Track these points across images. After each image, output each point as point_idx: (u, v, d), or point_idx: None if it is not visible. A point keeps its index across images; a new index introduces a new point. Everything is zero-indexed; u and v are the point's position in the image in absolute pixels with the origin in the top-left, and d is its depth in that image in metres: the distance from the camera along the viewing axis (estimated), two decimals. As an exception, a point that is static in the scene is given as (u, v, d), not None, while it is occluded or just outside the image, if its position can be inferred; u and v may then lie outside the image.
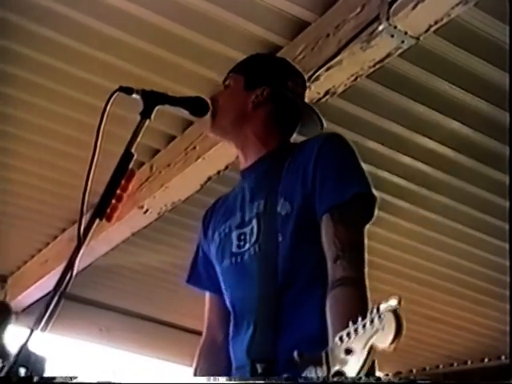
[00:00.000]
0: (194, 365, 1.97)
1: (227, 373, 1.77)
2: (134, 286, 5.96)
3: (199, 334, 6.60)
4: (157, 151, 3.80)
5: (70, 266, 1.46)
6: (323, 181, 1.65)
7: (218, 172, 3.41)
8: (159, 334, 6.92)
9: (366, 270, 1.57)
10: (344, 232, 1.59)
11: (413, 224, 4.26)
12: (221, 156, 3.26)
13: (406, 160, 3.69)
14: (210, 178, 3.51)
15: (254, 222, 1.74)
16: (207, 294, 1.98)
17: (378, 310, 1.10)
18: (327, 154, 1.69)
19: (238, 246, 1.76)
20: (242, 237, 1.75)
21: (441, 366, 7.10)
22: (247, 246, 1.73)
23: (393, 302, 1.11)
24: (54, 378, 1.29)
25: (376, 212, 1.69)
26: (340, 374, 1.14)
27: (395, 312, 1.10)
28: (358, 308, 1.41)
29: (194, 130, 3.51)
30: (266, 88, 1.84)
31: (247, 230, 1.75)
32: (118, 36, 2.98)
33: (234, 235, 1.77)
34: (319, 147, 1.70)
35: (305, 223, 1.66)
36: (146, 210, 3.85)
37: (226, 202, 1.92)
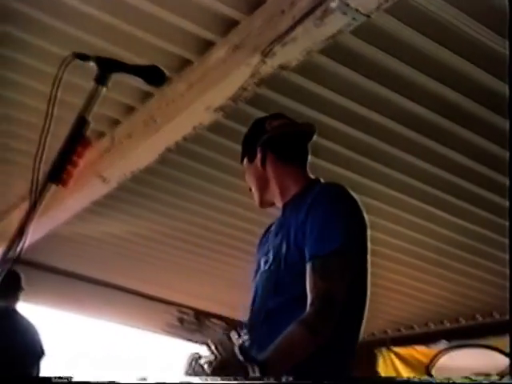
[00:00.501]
0: None
1: None
2: (99, 254, 6.03)
3: (162, 301, 6.74)
4: (118, 122, 3.85)
5: (21, 231, 1.48)
6: (310, 231, 1.89)
7: (176, 143, 3.49)
8: (124, 302, 7.00)
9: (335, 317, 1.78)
10: (319, 283, 1.81)
11: (368, 198, 4.38)
12: (179, 127, 3.35)
13: (358, 134, 3.80)
14: (168, 149, 3.58)
15: (271, 252, 2.03)
16: None
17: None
18: (318, 205, 1.92)
19: (261, 270, 2.06)
20: (266, 262, 2.05)
21: (389, 331, 7.32)
22: (265, 269, 2.04)
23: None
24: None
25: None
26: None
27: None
28: (294, 346, 1.75)
29: (154, 102, 3.57)
30: (257, 148, 2.13)
31: (269, 257, 2.04)
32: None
33: (262, 260, 2.07)
34: (314, 197, 1.95)
35: (300, 261, 1.89)
36: (106, 179, 3.91)
37: (266, 233, 2.23)
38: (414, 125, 3.64)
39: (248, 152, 2.20)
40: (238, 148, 3.90)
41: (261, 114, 3.53)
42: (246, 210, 4.78)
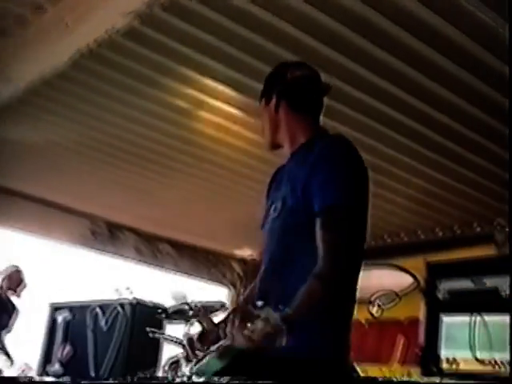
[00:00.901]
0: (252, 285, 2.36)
1: None
2: (10, 162, 5.81)
3: (75, 212, 6.60)
4: (27, 21, 3.65)
5: None
6: (317, 185, 1.97)
7: (88, 46, 3.34)
8: (35, 212, 6.86)
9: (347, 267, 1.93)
10: (327, 236, 1.92)
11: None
12: (90, 30, 3.20)
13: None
14: (80, 52, 3.43)
15: (280, 201, 2.11)
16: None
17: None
18: (325, 159, 2.00)
19: (272, 216, 2.14)
20: (276, 209, 2.12)
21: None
22: (275, 216, 2.12)
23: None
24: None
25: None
26: None
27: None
28: (312, 302, 1.88)
29: (66, 2, 3.40)
30: (274, 93, 2.19)
31: (278, 204, 2.12)
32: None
33: (273, 207, 2.15)
34: (321, 150, 2.02)
35: (305, 214, 1.99)
36: (12, 80, 3.74)
37: (277, 175, 2.29)
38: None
39: (266, 94, 2.25)
40: (155, 57, 3.79)
41: (180, 23, 3.47)
42: (161, 121, 4.69)
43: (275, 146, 2.27)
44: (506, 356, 3.41)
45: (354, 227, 1.97)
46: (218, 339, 2.12)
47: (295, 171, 2.09)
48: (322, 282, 1.89)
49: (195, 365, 2.20)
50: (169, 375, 5.07)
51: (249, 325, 1.76)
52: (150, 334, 4.74)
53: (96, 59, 3.81)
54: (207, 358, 2.05)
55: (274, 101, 2.20)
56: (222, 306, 5.64)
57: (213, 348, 2.05)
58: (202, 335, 2.39)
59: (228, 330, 1.86)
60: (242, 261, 8.46)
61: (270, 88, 2.25)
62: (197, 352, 2.34)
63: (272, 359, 1.84)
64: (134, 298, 5.24)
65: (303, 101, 2.21)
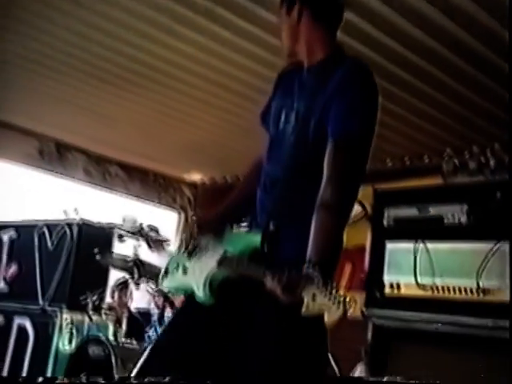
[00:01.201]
0: (246, 172, 2.47)
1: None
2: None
3: (22, 131, 6.44)
4: None
5: None
6: (337, 111, 1.97)
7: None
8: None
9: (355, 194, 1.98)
10: (339, 162, 1.94)
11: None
12: None
13: None
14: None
15: (294, 113, 2.11)
16: (265, 131, 2.29)
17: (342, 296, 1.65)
18: (348, 85, 2.01)
19: (284, 123, 2.14)
20: (288, 118, 2.12)
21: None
22: (288, 126, 2.12)
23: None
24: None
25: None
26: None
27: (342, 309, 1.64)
28: (329, 235, 1.90)
29: None
30: (297, 0, 2.14)
31: (292, 114, 2.11)
32: None
33: (284, 113, 2.15)
34: (344, 75, 2.03)
35: (320, 135, 2.00)
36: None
37: (287, 79, 2.26)
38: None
39: (287, 1, 2.19)
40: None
41: None
42: (117, 42, 4.54)
43: (293, 54, 2.21)
44: (447, 281, 3.51)
45: (364, 157, 2.02)
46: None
47: (314, 89, 2.08)
48: (334, 211, 1.92)
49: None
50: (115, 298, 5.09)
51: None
52: (97, 257, 4.76)
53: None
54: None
55: (296, 8, 2.15)
56: (165, 241, 5.68)
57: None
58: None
59: (270, 285, 1.80)
60: (193, 185, 8.45)
61: None
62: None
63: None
64: (82, 219, 5.19)
65: (326, 12, 2.17)
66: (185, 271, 2.21)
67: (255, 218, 2.19)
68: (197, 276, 2.13)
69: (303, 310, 1.71)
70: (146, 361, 2.21)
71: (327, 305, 1.67)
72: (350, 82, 2.03)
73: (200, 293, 2.08)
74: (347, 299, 1.66)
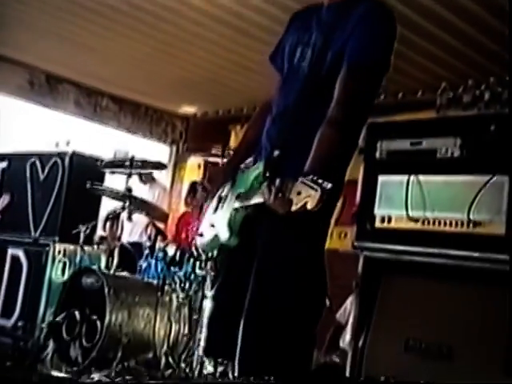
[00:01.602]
0: (245, 129, 2.58)
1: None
2: None
3: (12, 62, 6.31)
4: None
5: None
6: (353, 42, 2.07)
7: None
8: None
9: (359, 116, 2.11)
10: (352, 84, 2.04)
11: None
12: None
13: None
14: None
15: (310, 48, 2.19)
16: (277, 72, 2.40)
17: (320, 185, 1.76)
18: (366, 23, 2.10)
19: (299, 60, 2.23)
20: (304, 54, 2.21)
21: (245, 110, 7.46)
22: (303, 61, 2.21)
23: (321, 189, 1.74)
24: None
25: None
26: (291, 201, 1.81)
27: (322, 192, 1.73)
28: (329, 149, 2.00)
29: None
30: None
31: (309, 50, 2.20)
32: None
33: (299, 50, 2.23)
34: (364, 13, 2.12)
35: (337, 67, 2.09)
36: None
37: (303, 18, 2.36)
38: None
39: None
40: None
41: None
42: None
43: None
44: (438, 214, 3.52)
45: (376, 84, 2.15)
46: None
47: (334, 23, 2.16)
48: (338, 127, 2.01)
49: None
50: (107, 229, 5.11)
51: (289, 195, 1.85)
52: (88, 185, 4.75)
53: None
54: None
55: None
56: (161, 165, 5.66)
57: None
58: None
59: (266, 197, 1.93)
60: (185, 118, 8.38)
61: None
62: None
63: None
64: (73, 151, 5.15)
65: None
66: (212, 226, 2.37)
67: (260, 152, 2.29)
68: (220, 224, 2.27)
69: (292, 207, 1.82)
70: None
71: (309, 193, 1.78)
72: (369, 16, 2.12)
73: (225, 237, 2.23)
74: (325, 183, 1.77)
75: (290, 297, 2.09)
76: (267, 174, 2.11)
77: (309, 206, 1.78)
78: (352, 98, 2.06)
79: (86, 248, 4.83)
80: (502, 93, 3.62)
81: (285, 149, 2.11)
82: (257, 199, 2.08)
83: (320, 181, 1.78)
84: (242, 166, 2.41)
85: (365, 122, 2.21)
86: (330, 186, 1.76)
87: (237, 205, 2.24)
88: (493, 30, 4.49)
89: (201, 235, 2.46)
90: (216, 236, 2.33)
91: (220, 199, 2.38)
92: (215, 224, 2.36)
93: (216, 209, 2.39)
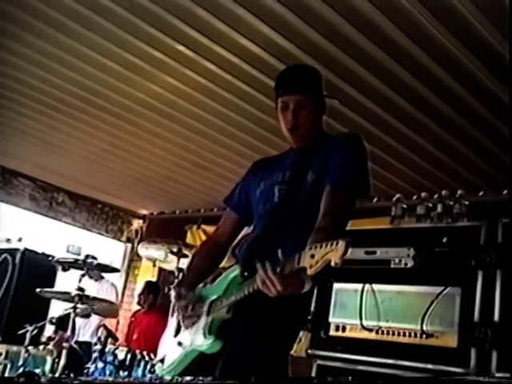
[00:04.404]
0: (191, 258, 2.76)
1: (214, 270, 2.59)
2: None
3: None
4: None
5: None
6: (334, 165, 2.33)
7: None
8: None
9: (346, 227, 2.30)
10: (336, 201, 2.26)
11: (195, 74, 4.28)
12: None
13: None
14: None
15: (288, 173, 2.45)
16: (230, 211, 2.71)
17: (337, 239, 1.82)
18: (344, 148, 2.38)
19: (279, 198, 2.44)
20: (282, 191, 2.43)
21: (202, 210, 7.48)
22: (284, 196, 2.43)
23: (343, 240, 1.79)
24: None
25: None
26: (304, 269, 1.86)
27: (347, 242, 1.78)
28: None
29: None
30: (323, 95, 2.53)
31: (285, 175, 2.46)
32: None
33: (277, 189, 2.45)
34: (339, 142, 2.43)
35: (318, 187, 2.32)
36: None
37: (272, 162, 2.64)
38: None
39: (315, 91, 2.51)
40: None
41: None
42: (68, 70, 4.49)
43: (303, 136, 2.49)
44: (391, 324, 3.52)
45: (355, 199, 2.34)
46: None
47: (305, 158, 2.43)
48: (328, 233, 2.09)
49: None
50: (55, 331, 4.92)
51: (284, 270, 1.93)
52: (37, 290, 4.63)
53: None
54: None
55: (325, 104, 2.53)
56: (114, 270, 5.54)
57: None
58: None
59: (262, 276, 1.98)
60: (141, 217, 8.36)
61: (320, 91, 2.52)
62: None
63: None
64: (25, 248, 5.06)
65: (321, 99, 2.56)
66: (179, 344, 2.43)
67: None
68: (196, 337, 2.33)
69: (308, 272, 1.86)
70: None
71: (328, 250, 1.83)
72: (344, 143, 2.41)
73: (205, 346, 2.26)
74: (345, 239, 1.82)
75: None
76: (245, 273, 2.23)
77: (335, 260, 1.81)
78: (337, 211, 2.23)
79: (31, 349, 4.66)
80: (453, 206, 3.75)
81: (264, 247, 2.27)
82: (239, 294, 2.16)
83: (329, 240, 1.85)
84: (200, 285, 2.51)
85: (347, 225, 2.34)
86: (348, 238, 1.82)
87: (208, 312, 2.32)
88: (443, 142, 4.64)
89: (162, 361, 2.52)
90: (187, 352, 2.37)
91: (180, 321, 2.47)
92: (185, 341, 2.41)
93: (178, 330, 2.49)
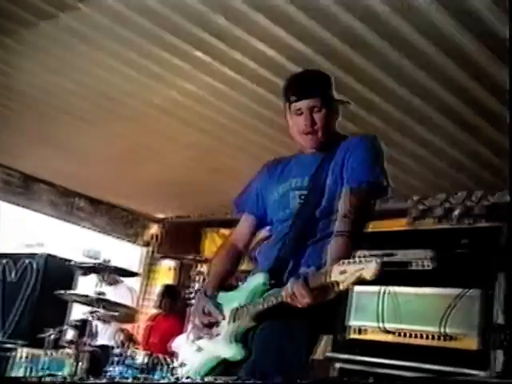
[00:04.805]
0: (211, 262, 2.78)
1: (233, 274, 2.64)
2: None
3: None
4: None
5: None
6: (351, 166, 2.35)
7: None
8: None
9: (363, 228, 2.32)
10: (354, 201, 2.27)
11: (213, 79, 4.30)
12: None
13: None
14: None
15: (306, 178, 2.44)
16: (247, 215, 2.68)
17: (364, 255, 1.86)
18: (360, 149, 2.39)
19: (299, 203, 2.42)
20: (303, 197, 2.42)
21: (218, 214, 7.47)
22: (304, 201, 2.42)
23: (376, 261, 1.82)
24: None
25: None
26: (333, 284, 1.91)
27: (380, 263, 1.81)
28: (345, 253, 2.09)
29: None
30: (335, 100, 2.52)
31: (304, 180, 2.45)
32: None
33: (296, 194, 2.45)
34: (355, 143, 2.42)
35: (337, 190, 2.35)
36: None
37: (286, 164, 2.63)
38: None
39: (326, 97, 2.49)
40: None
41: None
42: (84, 75, 4.52)
43: (318, 139, 2.48)
44: (413, 327, 3.51)
45: (374, 199, 2.37)
46: None
47: (323, 162, 2.43)
48: (348, 235, 2.18)
49: None
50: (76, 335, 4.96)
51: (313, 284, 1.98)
52: (57, 292, 4.66)
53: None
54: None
55: (337, 106, 2.53)
56: (133, 274, 5.57)
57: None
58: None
59: (292, 289, 2.03)
60: (159, 221, 8.39)
61: (332, 97, 2.51)
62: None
63: None
64: (46, 253, 5.10)
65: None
66: (199, 350, 2.43)
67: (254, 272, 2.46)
68: (217, 344, 2.33)
69: (340, 287, 1.91)
70: None
71: (360, 267, 1.85)
72: (359, 145, 2.42)
73: (230, 353, 2.27)
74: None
75: None
76: (272, 281, 2.26)
77: (367, 276, 1.85)
78: (356, 212, 2.26)
79: (52, 353, 4.70)
80: (473, 207, 3.72)
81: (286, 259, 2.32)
82: (267, 303, 2.18)
83: (359, 257, 1.89)
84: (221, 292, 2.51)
85: (366, 226, 2.38)
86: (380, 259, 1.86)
87: (233, 319, 2.32)
88: (462, 143, 4.62)
89: (181, 365, 2.51)
90: (209, 359, 2.36)
91: (199, 326, 2.45)
92: (205, 347, 2.40)
93: (196, 335, 2.47)
